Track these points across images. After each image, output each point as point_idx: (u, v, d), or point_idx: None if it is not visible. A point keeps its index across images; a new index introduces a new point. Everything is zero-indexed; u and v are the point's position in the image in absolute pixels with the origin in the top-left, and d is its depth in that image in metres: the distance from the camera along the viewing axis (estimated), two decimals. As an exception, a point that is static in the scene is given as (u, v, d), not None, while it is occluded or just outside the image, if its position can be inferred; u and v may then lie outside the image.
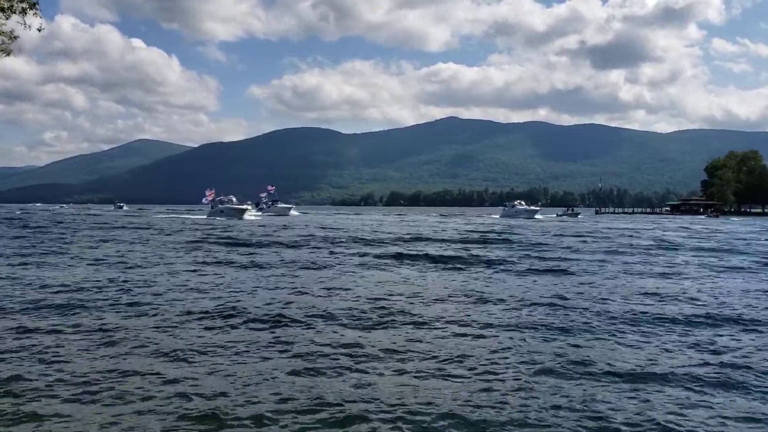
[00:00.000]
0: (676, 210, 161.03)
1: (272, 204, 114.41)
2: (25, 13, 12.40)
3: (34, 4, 12.47)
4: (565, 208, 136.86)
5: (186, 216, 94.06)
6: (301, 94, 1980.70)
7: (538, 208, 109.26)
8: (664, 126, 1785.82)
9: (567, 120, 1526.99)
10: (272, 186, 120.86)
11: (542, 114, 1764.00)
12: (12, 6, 12.10)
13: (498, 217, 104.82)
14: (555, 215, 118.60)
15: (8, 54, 12.59)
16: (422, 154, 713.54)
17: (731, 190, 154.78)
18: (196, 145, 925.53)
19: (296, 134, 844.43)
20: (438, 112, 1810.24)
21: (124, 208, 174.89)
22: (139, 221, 71.70)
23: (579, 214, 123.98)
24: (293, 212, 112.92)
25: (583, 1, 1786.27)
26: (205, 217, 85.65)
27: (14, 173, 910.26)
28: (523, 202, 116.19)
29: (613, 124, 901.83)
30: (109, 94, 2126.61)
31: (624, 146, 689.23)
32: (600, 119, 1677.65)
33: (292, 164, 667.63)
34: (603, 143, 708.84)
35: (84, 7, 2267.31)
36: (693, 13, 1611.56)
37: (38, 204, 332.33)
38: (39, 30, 12.28)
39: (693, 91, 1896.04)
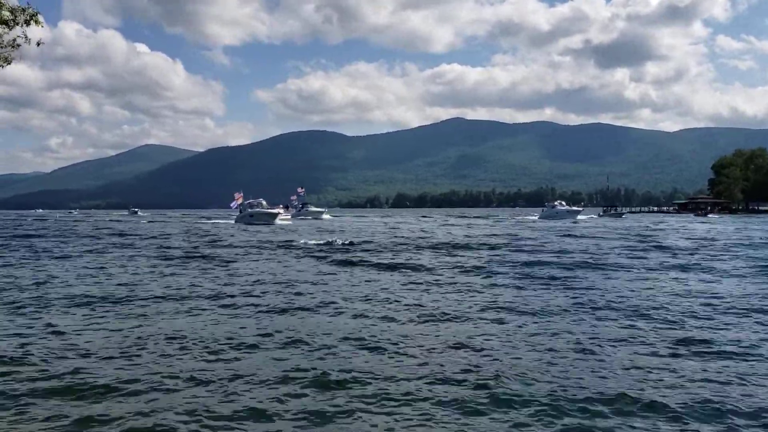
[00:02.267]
0: (684, 208, 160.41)
1: (302, 207, 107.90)
2: (28, 25, 12.35)
3: (36, 14, 12.39)
4: (608, 207, 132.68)
5: (215, 221, 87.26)
6: (306, 97, 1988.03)
7: (580, 209, 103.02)
8: (670, 124, 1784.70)
9: (573, 119, 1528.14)
10: (302, 188, 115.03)
11: (548, 114, 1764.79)
12: (15, 18, 12.06)
13: (536, 218, 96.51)
14: (596, 215, 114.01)
15: (9, 63, 12.55)
16: (428, 156, 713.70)
17: (739, 188, 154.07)
18: (202, 150, 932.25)
19: (302, 137, 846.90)
20: (443, 113, 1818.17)
21: (139, 213, 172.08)
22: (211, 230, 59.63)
23: (623, 214, 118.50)
24: (325, 216, 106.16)
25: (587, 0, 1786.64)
26: (233, 222, 79.34)
27: (21, 179, 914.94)
28: (563, 203, 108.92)
29: (618, 123, 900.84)
30: (114, 100, 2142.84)
31: (630, 145, 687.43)
32: (606, 118, 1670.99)
33: (298, 167, 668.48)
34: (609, 142, 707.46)
35: (87, 13, 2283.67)
36: (698, 10, 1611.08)
37: (39, 210, 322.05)
38: (38, 44, 12.21)
39: (699, 89, 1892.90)
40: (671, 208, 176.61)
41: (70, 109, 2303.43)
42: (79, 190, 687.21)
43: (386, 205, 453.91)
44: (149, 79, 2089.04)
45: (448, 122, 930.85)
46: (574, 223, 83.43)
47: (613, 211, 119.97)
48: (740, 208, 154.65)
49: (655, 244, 36.72)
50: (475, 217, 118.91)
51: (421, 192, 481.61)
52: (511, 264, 25.00)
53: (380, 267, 24.21)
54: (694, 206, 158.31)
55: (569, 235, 47.84)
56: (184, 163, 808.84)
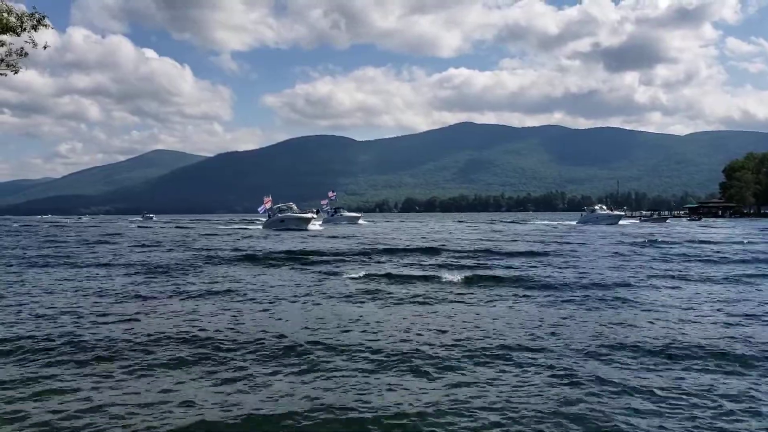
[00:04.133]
0: (695, 213, 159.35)
1: (336, 212, 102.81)
2: (36, 30, 12.22)
3: (44, 18, 12.26)
4: (650, 212, 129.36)
5: (241, 228, 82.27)
6: (314, 102, 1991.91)
7: (621, 213, 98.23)
8: (680, 128, 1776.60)
9: (582, 123, 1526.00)
10: (333, 192, 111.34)
11: (557, 117, 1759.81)
12: (22, 24, 11.93)
13: (575, 223, 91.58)
14: (638, 220, 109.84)
15: (16, 72, 12.42)
16: (436, 160, 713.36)
17: (751, 191, 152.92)
18: (211, 155, 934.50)
19: (310, 142, 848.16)
20: (451, 118, 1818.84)
21: (154, 218, 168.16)
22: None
23: (667, 218, 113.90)
24: (362, 221, 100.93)
25: (596, 3, 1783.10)
26: (260, 228, 75.35)
27: (32, 185, 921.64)
28: (604, 207, 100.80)
29: (628, 127, 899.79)
30: (123, 105, 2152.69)
31: (640, 149, 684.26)
32: (615, 122, 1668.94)
33: (307, 172, 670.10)
34: (619, 146, 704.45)
35: (94, 19, 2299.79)
36: (707, 12, 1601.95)
37: (47, 216, 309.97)
38: (44, 48, 12.05)
39: (709, 92, 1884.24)
40: (682, 212, 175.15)
41: (80, 115, 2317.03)
42: (89, 196, 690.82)
43: (395, 209, 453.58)
44: (158, 85, 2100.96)
45: (457, 126, 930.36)
46: (612, 227, 79.44)
47: (656, 216, 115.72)
48: (752, 212, 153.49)
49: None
50: (511, 221, 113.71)
51: (430, 196, 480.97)
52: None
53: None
54: (705, 210, 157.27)
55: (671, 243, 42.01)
56: (193, 168, 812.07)
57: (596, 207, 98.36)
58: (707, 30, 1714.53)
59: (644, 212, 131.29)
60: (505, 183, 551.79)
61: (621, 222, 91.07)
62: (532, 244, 41.68)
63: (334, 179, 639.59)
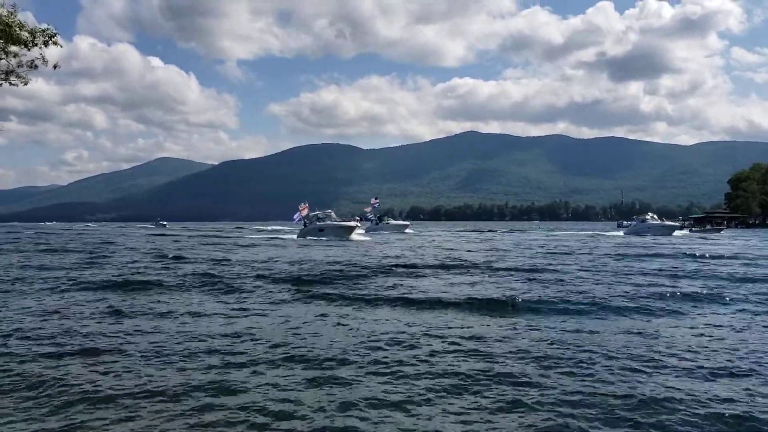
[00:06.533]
0: (700, 223, 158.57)
1: (380, 220, 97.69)
2: (47, 46, 12.37)
3: (55, 35, 12.42)
4: (691, 220, 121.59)
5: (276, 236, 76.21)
6: (319, 111, 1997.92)
7: (676, 224, 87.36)
8: (686, 138, 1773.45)
9: (586, 133, 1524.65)
10: (376, 199, 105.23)
11: (561, 127, 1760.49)
12: (34, 39, 12.08)
13: (622, 234, 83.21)
14: (688, 230, 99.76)
15: (26, 83, 12.58)
16: (441, 169, 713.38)
17: (757, 202, 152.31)
18: (216, 163, 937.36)
19: (315, 150, 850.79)
20: (456, 127, 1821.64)
21: (166, 226, 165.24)
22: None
23: (723, 228, 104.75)
24: (409, 230, 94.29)
25: (600, 12, 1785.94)
26: (295, 237, 68.27)
27: (38, 192, 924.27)
28: (654, 216, 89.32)
29: (633, 137, 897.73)
30: (128, 113, 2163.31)
31: (645, 159, 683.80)
32: (620, 132, 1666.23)
33: (312, 180, 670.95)
34: (624, 156, 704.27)
35: (101, 27, 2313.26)
36: (713, 22, 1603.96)
37: (51, 222, 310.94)
38: (55, 67, 12.22)
39: (715, 102, 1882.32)
40: (686, 222, 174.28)
41: (86, 123, 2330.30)
42: (94, 203, 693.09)
43: (399, 218, 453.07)
44: (163, 93, 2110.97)
45: (461, 136, 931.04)
46: (666, 237, 71.40)
47: (709, 227, 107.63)
48: (757, 222, 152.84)
49: None
50: (558, 230, 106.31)
51: (435, 205, 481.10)
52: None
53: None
54: (710, 221, 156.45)
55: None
56: (198, 176, 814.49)
57: (647, 216, 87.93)
58: (712, 40, 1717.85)
59: (693, 221, 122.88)
60: (509, 192, 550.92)
61: (675, 233, 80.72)
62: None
63: (338, 187, 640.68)
